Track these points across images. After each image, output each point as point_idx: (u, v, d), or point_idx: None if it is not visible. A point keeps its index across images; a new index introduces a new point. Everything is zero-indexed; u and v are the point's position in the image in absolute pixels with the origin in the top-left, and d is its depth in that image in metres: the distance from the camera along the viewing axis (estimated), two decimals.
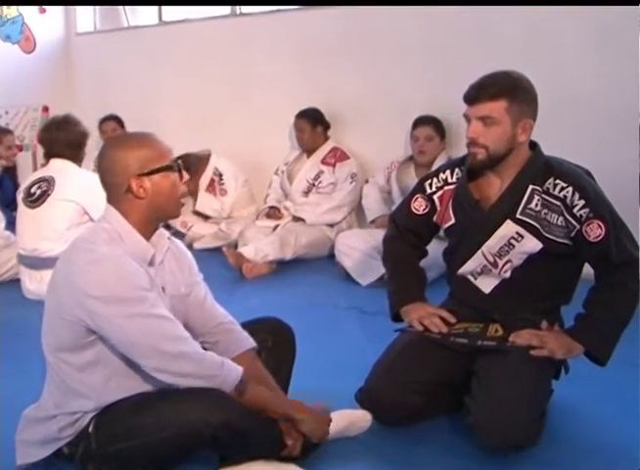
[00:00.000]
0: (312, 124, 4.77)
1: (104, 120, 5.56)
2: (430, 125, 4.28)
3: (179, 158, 1.94)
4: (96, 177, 1.97)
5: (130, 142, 1.92)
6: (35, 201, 3.76)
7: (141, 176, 1.85)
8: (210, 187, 5.16)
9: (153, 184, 1.86)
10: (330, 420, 2.04)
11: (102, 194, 1.94)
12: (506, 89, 2.10)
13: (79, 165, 3.85)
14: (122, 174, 1.85)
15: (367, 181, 4.55)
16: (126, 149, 1.87)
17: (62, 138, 3.75)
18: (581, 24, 3.95)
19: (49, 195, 3.73)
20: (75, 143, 3.77)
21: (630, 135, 3.65)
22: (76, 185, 3.68)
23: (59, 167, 3.78)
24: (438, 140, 4.28)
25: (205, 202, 5.16)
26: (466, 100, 2.16)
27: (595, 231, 2.10)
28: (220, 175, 5.15)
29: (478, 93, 2.12)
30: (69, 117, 3.82)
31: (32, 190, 3.80)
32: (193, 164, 4.95)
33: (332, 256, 4.34)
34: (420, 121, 4.33)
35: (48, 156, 3.88)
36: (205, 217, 5.18)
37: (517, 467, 2.08)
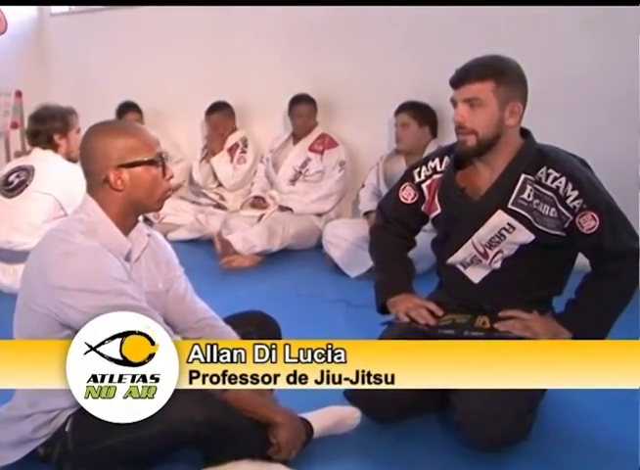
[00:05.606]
0: (312, 109, 4.67)
1: (123, 111, 5.28)
2: (406, 112, 4.14)
3: None
4: (79, 170, 1.90)
5: (114, 130, 1.86)
6: (12, 190, 3.64)
7: (120, 167, 1.79)
8: (231, 150, 5.05)
9: (132, 177, 1.81)
10: (304, 437, 2.00)
11: (82, 188, 1.87)
12: (492, 70, 2.07)
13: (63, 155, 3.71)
14: (101, 163, 1.80)
15: (363, 185, 4.41)
16: (108, 137, 1.82)
17: (28, 130, 3.73)
18: (578, 6, 3.88)
19: (27, 185, 3.61)
20: (41, 136, 3.65)
21: (630, 120, 3.57)
22: (56, 178, 3.56)
23: (40, 157, 3.67)
24: (416, 126, 4.10)
25: (222, 161, 5.03)
26: (452, 83, 2.13)
27: (589, 223, 2.07)
28: (245, 144, 5.06)
29: (464, 75, 2.10)
30: (37, 110, 3.71)
31: (10, 178, 3.68)
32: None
33: (320, 246, 4.26)
34: (398, 108, 4.21)
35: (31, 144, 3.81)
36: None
37: (509, 463, 2.05)
